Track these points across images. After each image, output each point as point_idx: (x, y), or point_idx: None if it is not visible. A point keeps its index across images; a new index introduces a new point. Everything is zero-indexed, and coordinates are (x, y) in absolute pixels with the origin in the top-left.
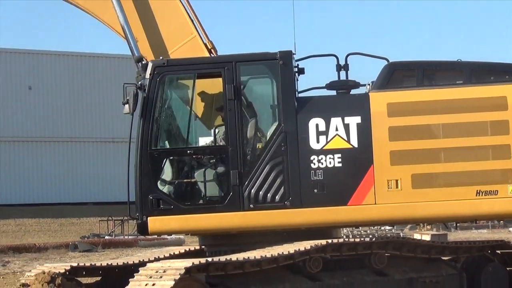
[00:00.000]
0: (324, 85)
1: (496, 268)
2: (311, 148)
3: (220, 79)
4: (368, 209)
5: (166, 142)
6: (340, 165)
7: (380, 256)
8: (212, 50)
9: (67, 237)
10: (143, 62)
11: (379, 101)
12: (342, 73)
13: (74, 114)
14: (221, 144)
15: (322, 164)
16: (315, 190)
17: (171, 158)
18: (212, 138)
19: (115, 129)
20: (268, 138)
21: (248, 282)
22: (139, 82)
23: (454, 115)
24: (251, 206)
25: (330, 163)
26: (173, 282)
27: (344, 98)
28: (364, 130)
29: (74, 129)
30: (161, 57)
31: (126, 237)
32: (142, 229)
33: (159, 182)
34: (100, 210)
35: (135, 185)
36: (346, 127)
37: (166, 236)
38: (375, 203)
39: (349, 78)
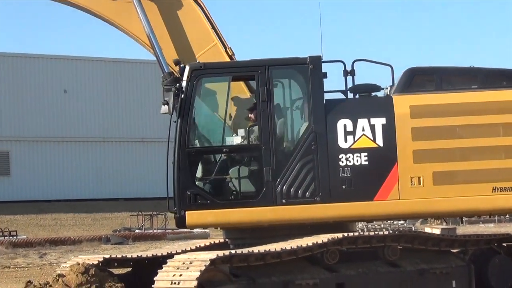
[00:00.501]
0: (345, 89)
1: (502, 260)
2: (339, 147)
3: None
4: (393, 204)
5: (203, 141)
6: (366, 163)
7: (393, 249)
8: (232, 57)
9: (100, 230)
10: (181, 65)
11: (402, 103)
12: (349, 78)
13: (106, 116)
14: (255, 143)
15: (349, 162)
16: (343, 186)
17: (207, 155)
18: (245, 137)
19: (143, 130)
20: (299, 137)
21: (269, 273)
22: (177, 84)
23: (470, 117)
24: (283, 201)
25: (357, 161)
26: (199, 273)
27: (370, 100)
28: (389, 131)
29: (106, 129)
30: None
31: (154, 230)
32: (180, 222)
33: (196, 178)
34: (131, 206)
35: (173, 181)
36: (372, 127)
37: (192, 230)
38: (399, 199)
39: (355, 83)
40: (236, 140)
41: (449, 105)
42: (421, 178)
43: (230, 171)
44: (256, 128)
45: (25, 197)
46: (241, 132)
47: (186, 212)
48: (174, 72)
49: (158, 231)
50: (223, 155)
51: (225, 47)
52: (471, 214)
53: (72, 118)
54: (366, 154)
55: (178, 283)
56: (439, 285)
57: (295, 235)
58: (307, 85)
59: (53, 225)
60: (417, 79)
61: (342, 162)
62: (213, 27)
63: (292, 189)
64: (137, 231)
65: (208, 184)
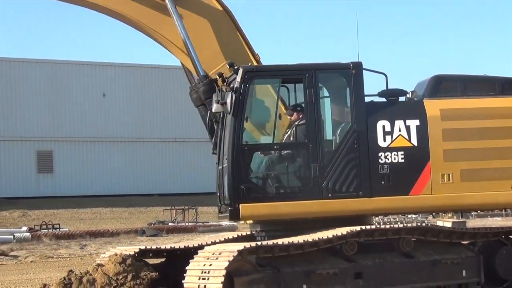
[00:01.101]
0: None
1: (509, 251)
2: (378, 146)
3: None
4: (426, 199)
5: (255, 138)
6: (402, 160)
7: (408, 241)
8: (259, 61)
9: (136, 224)
10: (235, 67)
11: (433, 107)
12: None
13: (141, 118)
14: (303, 141)
15: (388, 159)
16: (382, 182)
17: (259, 152)
18: (293, 135)
19: (176, 130)
20: (342, 136)
21: (292, 263)
22: (232, 85)
23: (491, 121)
24: (329, 195)
25: (394, 159)
26: (227, 263)
27: (405, 104)
28: (422, 132)
29: (141, 130)
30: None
31: (186, 224)
32: (234, 215)
33: (249, 173)
34: (164, 201)
35: (227, 176)
36: (408, 128)
37: (221, 223)
38: (431, 194)
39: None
40: (287, 138)
41: (473, 109)
42: (450, 175)
43: (280, 166)
44: (303, 127)
45: (67, 192)
46: (291, 131)
47: (240, 205)
48: (208, 75)
49: (190, 224)
50: (273, 151)
51: (252, 53)
52: (492, 207)
53: (110, 120)
54: (402, 152)
55: (208, 272)
56: (450, 275)
57: (319, 228)
58: (349, 88)
59: (92, 218)
60: (444, 85)
61: (381, 159)
62: (240, 34)
63: (337, 184)
64: (170, 224)
65: (260, 178)
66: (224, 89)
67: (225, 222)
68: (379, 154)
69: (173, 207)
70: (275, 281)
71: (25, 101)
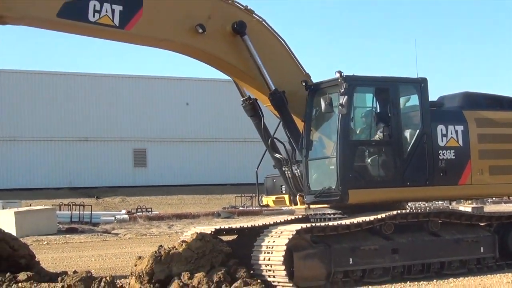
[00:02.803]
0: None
1: None
2: (438, 145)
3: None
4: (468, 188)
5: (358, 134)
6: (454, 157)
7: (435, 223)
8: (309, 78)
9: (213, 208)
10: (343, 75)
11: (470, 116)
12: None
13: (217, 122)
14: (389, 139)
15: (444, 156)
16: (441, 174)
17: (361, 146)
18: (383, 134)
19: (244, 132)
20: (415, 137)
21: (340, 240)
22: (341, 90)
23: (510, 129)
24: (408, 183)
25: (449, 155)
26: (287, 240)
27: (452, 113)
28: (465, 135)
29: (217, 132)
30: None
31: (254, 208)
32: (343, 199)
33: (354, 163)
34: (236, 189)
35: (336, 166)
36: (456, 132)
37: (281, 207)
38: (471, 184)
39: None
40: (378, 135)
41: (497, 119)
42: (482, 170)
43: (374, 158)
44: (389, 127)
45: (157, 182)
46: (380, 130)
47: (349, 191)
48: (277, 89)
49: (256, 208)
50: (370, 146)
51: (303, 70)
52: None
53: (193, 124)
54: (453, 151)
55: (272, 247)
56: (470, 251)
57: (364, 212)
58: (419, 98)
59: (178, 203)
60: (471, 100)
61: (440, 156)
62: (293, 55)
63: (412, 175)
64: (240, 208)
65: (363, 168)
66: (330, 97)
67: (285, 207)
68: (439, 152)
69: (243, 195)
70: (326, 255)
71: (125, 109)
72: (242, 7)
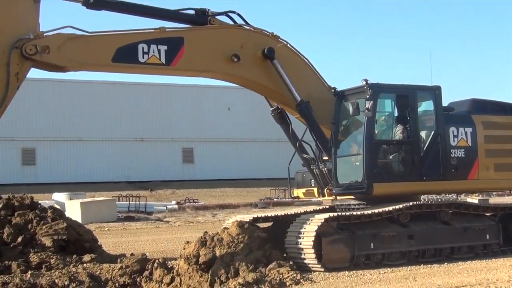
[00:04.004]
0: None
1: None
2: (450, 145)
3: None
4: (476, 183)
5: (381, 135)
6: (464, 155)
7: (446, 213)
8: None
9: (251, 199)
10: (369, 83)
11: (477, 120)
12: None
13: (255, 124)
14: (408, 139)
15: (456, 154)
16: (453, 170)
17: (384, 145)
18: (403, 135)
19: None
20: (430, 136)
21: (363, 227)
22: (367, 96)
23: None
24: (424, 178)
25: (459, 154)
26: (316, 227)
27: (462, 116)
28: (473, 136)
29: (255, 133)
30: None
31: (286, 199)
32: (368, 191)
33: (378, 160)
34: (271, 183)
35: (362, 163)
36: (466, 133)
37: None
38: (479, 179)
39: None
40: (399, 136)
41: (501, 122)
42: (488, 167)
43: (397, 156)
44: (407, 129)
45: (203, 177)
46: (400, 131)
47: (373, 184)
48: (303, 100)
49: (288, 199)
50: (392, 145)
51: (325, 82)
52: None
53: (233, 126)
54: (463, 150)
55: (303, 233)
56: (477, 237)
57: (384, 204)
58: (434, 103)
59: (220, 195)
60: (478, 105)
61: (452, 154)
62: (315, 70)
63: (428, 171)
64: (275, 199)
65: (386, 165)
66: (357, 102)
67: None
68: (451, 150)
69: (277, 188)
70: (350, 240)
71: (175, 114)
72: (268, 34)
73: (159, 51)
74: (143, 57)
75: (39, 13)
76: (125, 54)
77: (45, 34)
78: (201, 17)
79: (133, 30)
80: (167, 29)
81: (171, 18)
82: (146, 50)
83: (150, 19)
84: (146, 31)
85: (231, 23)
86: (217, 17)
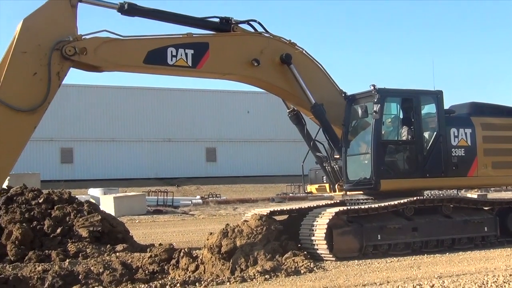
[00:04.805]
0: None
1: None
2: (451, 144)
3: None
4: (475, 179)
5: (387, 136)
6: (464, 154)
7: (447, 207)
8: (343, 92)
9: (268, 194)
10: (376, 88)
11: (476, 121)
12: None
13: (274, 126)
14: (412, 139)
15: (456, 153)
16: (454, 168)
17: (390, 145)
18: (408, 135)
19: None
20: (432, 137)
21: (370, 220)
22: (375, 100)
23: (509, 131)
24: (427, 175)
25: (459, 153)
26: (328, 220)
27: (462, 118)
28: (473, 137)
29: (273, 134)
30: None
31: (301, 194)
32: (376, 187)
33: (385, 158)
34: (286, 179)
35: (371, 161)
36: (466, 134)
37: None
38: (478, 176)
39: None
40: (404, 136)
41: (499, 124)
42: (487, 165)
43: (402, 154)
44: (412, 130)
45: (225, 174)
46: (405, 132)
47: (381, 181)
48: (317, 103)
49: (303, 195)
50: (398, 145)
51: (336, 86)
52: (510, 185)
53: (252, 128)
54: (463, 149)
55: (316, 226)
56: (476, 230)
57: (391, 198)
58: (436, 106)
59: (241, 191)
60: (477, 108)
61: (453, 153)
62: (327, 74)
63: (431, 168)
64: (290, 194)
65: (392, 163)
66: (366, 105)
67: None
68: (452, 150)
69: (292, 184)
70: (359, 232)
71: (199, 116)
72: (286, 41)
73: (186, 54)
74: (171, 60)
75: (76, 18)
76: (155, 56)
77: (83, 37)
78: (225, 25)
79: (162, 35)
80: (194, 35)
81: (198, 25)
82: (174, 53)
83: (176, 25)
84: (175, 36)
85: (252, 30)
86: (239, 25)
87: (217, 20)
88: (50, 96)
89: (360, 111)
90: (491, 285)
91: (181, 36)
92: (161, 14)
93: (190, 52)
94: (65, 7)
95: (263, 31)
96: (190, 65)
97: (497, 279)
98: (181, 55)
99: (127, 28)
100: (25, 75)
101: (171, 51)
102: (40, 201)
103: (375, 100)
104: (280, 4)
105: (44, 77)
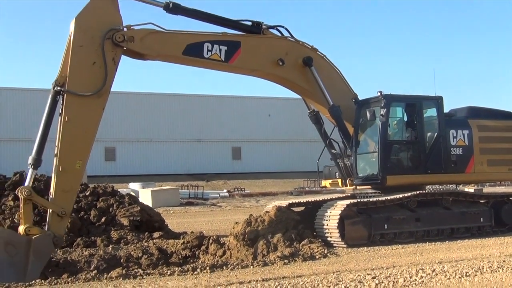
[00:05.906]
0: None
1: (510, 207)
2: (450, 144)
3: None
4: (472, 175)
5: (393, 136)
6: (462, 153)
7: (447, 200)
8: (356, 96)
9: (287, 188)
10: (383, 94)
11: (473, 123)
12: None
13: (293, 127)
14: (416, 139)
15: (455, 152)
16: (452, 165)
17: (395, 144)
18: (412, 136)
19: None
20: (434, 137)
21: (378, 211)
22: (381, 105)
23: (503, 132)
24: (429, 171)
25: (458, 152)
26: (340, 211)
27: (460, 120)
28: (470, 137)
29: (292, 134)
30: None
31: (316, 188)
32: (382, 182)
33: (391, 157)
34: (304, 175)
35: (378, 159)
36: (464, 134)
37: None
38: (474, 172)
39: None
40: (407, 137)
41: (494, 126)
42: (483, 162)
43: (406, 153)
44: (415, 131)
45: (249, 170)
46: (409, 133)
47: (387, 176)
48: (334, 104)
49: (318, 189)
50: (402, 144)
51: (350, 88)
52: (503, 180)
53: (273, 129)
54: (461, 148)
55: (329, 216)
56: (473, 220)
57: (397, 192)
58: (437, 110)
59: (263, 185)
60: (474, 112)
61: (452, 152)
62: (342, 76)
63: (432, 165)
64: (307, 188)
65: (397, 160)
66: (373, 109)
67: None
68: (451, 149)
69: (308, 179)
70: (368, 222)
71: (226, 119)
72: (309, 46)
73: (220, 50)
74: (207, 54)
75: (119, 10)
76: (193, 49)
77: (131, 27)
78: (256, 28)
79: (201, 32)
80: (228, 34)
81: (232, 27)
82: (210, 48)
83: (209, 24)
84: (212, 33)
85: (280, 35)
86: (269, 30)
87: (249, 23)
88: (109, 79)
89: (368, 115)
90: (486, 270)
91: (217, 34)
92: (201, 14)
93: (224, 48)
94: (109, 2)
95: (289, 36)
96: (223, 59)
97: (492, 264)
98: (216, 50)
99: (165, 23)
100: (86, 66)
101: (207, 46)
102: (87, 194)
103: (382, 105)
104: (282, 9)
105: (102, 64)
